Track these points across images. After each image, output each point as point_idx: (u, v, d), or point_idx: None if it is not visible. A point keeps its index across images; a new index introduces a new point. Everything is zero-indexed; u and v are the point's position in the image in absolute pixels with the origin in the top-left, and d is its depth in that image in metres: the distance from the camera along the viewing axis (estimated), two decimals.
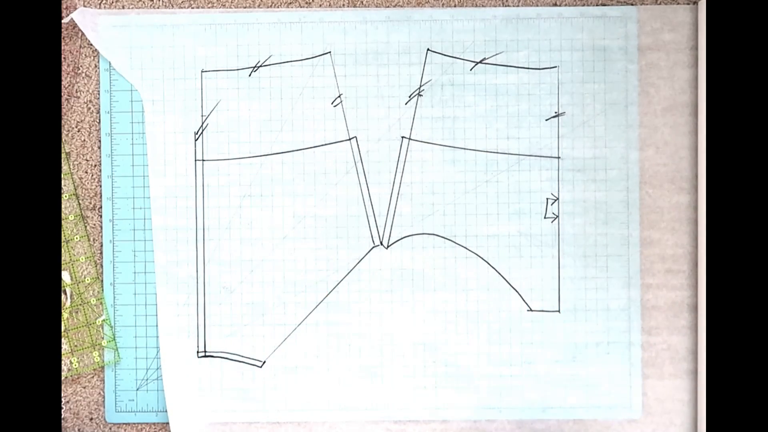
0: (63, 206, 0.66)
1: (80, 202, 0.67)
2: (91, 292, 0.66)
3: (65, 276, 0.66)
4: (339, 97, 0.66)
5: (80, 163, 0.67)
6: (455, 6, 0.66)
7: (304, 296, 0.66)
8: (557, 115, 0.66)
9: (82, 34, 0.66)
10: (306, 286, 0.66)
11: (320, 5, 0.66)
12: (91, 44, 0.66)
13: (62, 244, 0.66)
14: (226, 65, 0.66)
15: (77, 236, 0.66)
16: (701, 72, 0.64)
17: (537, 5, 0.66)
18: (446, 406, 0.66)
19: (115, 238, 0.66)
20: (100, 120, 0.66)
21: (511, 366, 0.66)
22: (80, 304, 0.66)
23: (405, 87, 0.66)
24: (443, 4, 0.66)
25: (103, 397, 0.67)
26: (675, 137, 0.66)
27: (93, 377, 0.67)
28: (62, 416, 0.67)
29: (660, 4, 0.66)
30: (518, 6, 0.66)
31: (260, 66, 0.66)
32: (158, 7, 0.66)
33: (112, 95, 0.66)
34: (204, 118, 0.66)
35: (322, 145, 0.66)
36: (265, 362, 0.66)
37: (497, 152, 0.66)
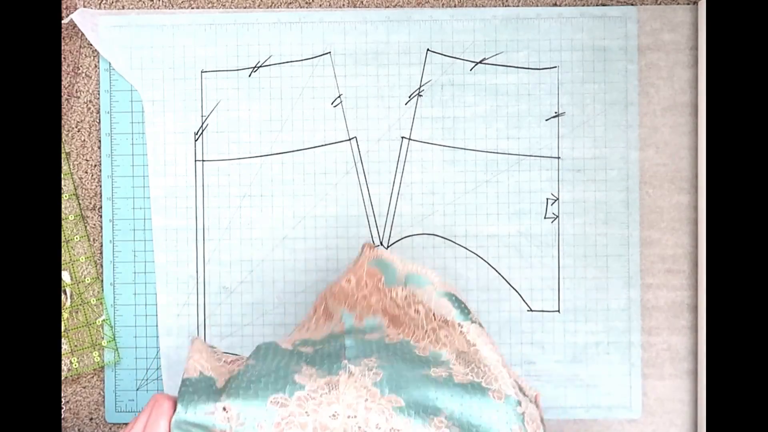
0: (63, 206, 0.66)
1: (80, 202, 0.67)
2: (91, 292, 0.66)
3: (65, 276, 0.66)
4: (339, 97, 0.66)
5: (80, 163, 0.67)
6: (455, 6, 0.66)
7: (304, 296, 0.66)
8: (557, 115, 0.66)
9: (82, 34, 0.66)
10: (306, 286, 0.66)
11: (320, 5, 0.66)
12: (91, 44, 0.66)
13: (62, 244, 0.66)
14: (226, 65, 0.66)
15: (77, 236, 0.66)
16: (701, 72, 0.64)
17: (537, 5, 0.66)
18: None
19: (115, 238, 0.66)
20: (100, 120, 0.66)
21: (511, 366, 0.66)
22: (80, 304, 0.66)
23: (405, 87, 0.66)
24: (443, 4, 0.66)
25: (103, 397, 0.67)
26: (675, 137, 0.66)
27: (93, 377, 0.67)
28: (62, 416, 0.67)
29: (660, 4, 0.66)
30: (518, 6, 0.66)
31: (260, 66, 0.66)
32: (158, 7, 0.66)
33: (112, 95, 0.66)
34: (204, 118, 0.66)
35: (322, 145, 0.66)
36: None
37: (497, 152, 0.66)
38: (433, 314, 0.49)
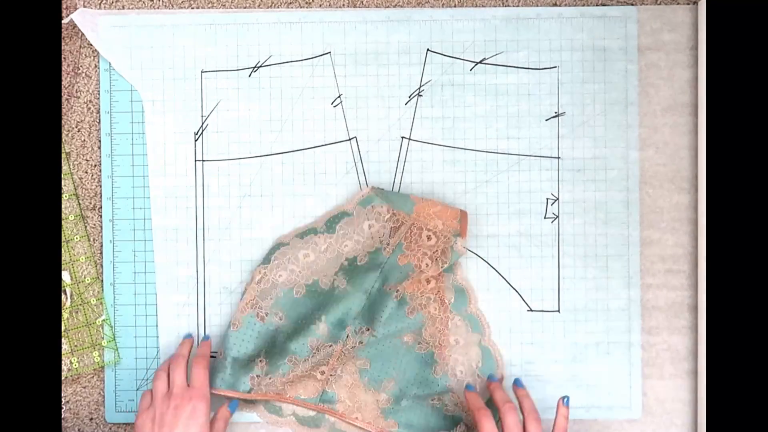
0: (63, 206, 0.66)
1: (80, 202, 0.67)
2: (91, 292, 0.66)
3: (65, 276, 0.66)
4: (339, 97, 0.66)
5: (80, 163, 0.67)
6: (455, 6, 0.66)
7: None
8: (557, 115, 0.66)
9: (82, 34, 0.66)
10: None
11: (320, 5, 0.66)
12: (91, 44, 0.66)
13: (62, 244, 0.66)
14: (226, 65, 0.66)
15: (77, 236, 0.66)
16: (701, 72, 0.64)
17: (537, 5, 0.66)
18: None
19: (115, 238, 0.66)
20: (100, 120, 0.66)
21: (511, 366, 0.66)
22: (80, 304, 0.66)
23: (405, 87, 0.66)
24: (443, 4, 0.66)
25: (103, 397, 0.67)
26: (675, 137, 0.66)
27: (93, 377, 0.67)
28: (62, 416, 0.67)
29: (660, 4, 0.66)
30: (518, 6, 0.66)
31: (260, 66, 0.66)
32: (158, 7, 0.66)
33: (112, 95, 0.66)
34: (204, 118, 0.66)
35: (322, 145, 0.66)
36: None
37: (497, 152, 0.66)
38: (442, 281, 0.65)
